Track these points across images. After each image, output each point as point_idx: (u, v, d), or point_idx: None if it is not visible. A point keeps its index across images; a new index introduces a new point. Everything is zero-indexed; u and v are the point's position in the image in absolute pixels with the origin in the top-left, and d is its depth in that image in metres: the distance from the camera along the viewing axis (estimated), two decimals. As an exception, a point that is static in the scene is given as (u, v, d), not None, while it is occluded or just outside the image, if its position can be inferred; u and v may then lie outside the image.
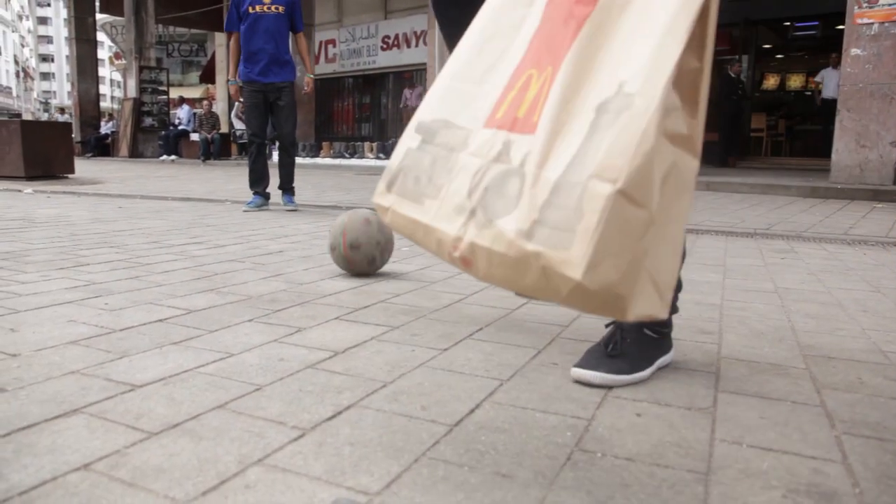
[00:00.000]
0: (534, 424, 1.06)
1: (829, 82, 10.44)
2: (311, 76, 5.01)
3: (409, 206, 0.92)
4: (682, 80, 0.77)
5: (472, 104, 0.91)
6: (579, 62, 0.80)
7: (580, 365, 1.27)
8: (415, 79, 13.74)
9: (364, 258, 2.21)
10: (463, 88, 0.94)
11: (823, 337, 1.65)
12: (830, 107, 10.32)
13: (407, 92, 12.41)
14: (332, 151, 12.68)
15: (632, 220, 0.71)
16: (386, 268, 2.47)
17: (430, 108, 0.97)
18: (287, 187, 4.79)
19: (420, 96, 12.14)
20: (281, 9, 4.45)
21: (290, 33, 4.66)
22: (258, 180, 4.72)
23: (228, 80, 4.71)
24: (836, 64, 10.25)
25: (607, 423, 1.08)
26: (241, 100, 4.66)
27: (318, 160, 12.33)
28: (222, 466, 0.89)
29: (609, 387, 1.24)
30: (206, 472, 0.87)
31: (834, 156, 6.89)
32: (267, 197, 4.73)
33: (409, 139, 0.97)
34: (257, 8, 4.40)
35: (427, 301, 1.92)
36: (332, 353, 1.41)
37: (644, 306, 0.75)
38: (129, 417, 1.04)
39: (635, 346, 1.30)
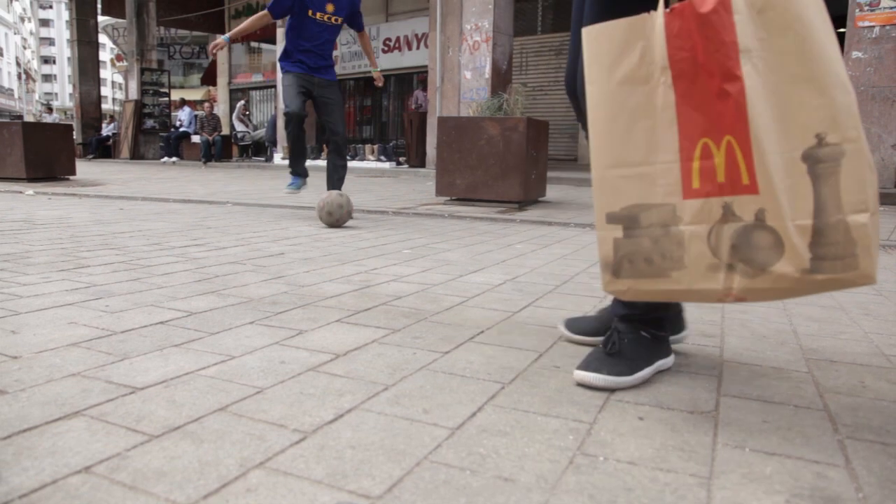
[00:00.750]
0: (536, 428, 1.06)
1: None
2: (378, 70, 4.87)
3: (653, 283, 1.09)
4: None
5: (656, 181, 1.06)
6: (762, 125, 0.97)
7: (582, 367, 1.27)
8: (415, 83, 13.75)
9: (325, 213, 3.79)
10: (632, 173, 1.08)
11: (826, 340, 1.64)
12: None
13: (419, 94, 12.40)
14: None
15: (877, 224, 0.96)
16: (387, 270, 2.47)
17: (609, 200, 1.10)
18: (338, 188, 4.52)
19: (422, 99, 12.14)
20: (340, 20, 4.39)
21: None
22: (299, 157, 4.53)
23: (223, 37, 4.49)
24: None
25: (610, 426, 1.08)
26: (215, 52, 4.45)
27: (320, 162, 12.32)
28: (223, 469, 0.88)
29: (611, 389, 1.24)
30: (207, 475, 0.87)
31: (835, 159, 6.89)
32: (306, 175, 4.58)
33: (608, 232, 1.11)
34: (318, 16, 4.29)
35: (428, 304, 1.92)
36: (333, 355, 1.40)
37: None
38: (129, 420, 1.03)
39: (632, 346, 1.30)
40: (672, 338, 1.46)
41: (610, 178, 1.09)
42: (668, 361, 1.37)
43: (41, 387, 1.17)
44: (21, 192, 6.07)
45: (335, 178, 4.51)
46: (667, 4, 1.06)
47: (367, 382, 1.24)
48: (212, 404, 1.11)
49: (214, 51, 4.42)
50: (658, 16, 1.04)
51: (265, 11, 4.33)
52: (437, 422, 1.07)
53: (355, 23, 4.56)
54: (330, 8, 4.31)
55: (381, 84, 4.84)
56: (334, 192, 3.97)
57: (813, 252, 0.96)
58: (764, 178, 0.98)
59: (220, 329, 1.58)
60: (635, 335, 1.31)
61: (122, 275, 2.24)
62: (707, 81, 1.01)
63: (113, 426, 1.01)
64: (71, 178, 7.94)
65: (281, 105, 14.27)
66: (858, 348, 1.59)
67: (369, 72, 15.35)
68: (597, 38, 1.10)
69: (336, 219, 3.88)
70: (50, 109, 25.51)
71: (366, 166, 11.59)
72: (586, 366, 1.27)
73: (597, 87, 1.10)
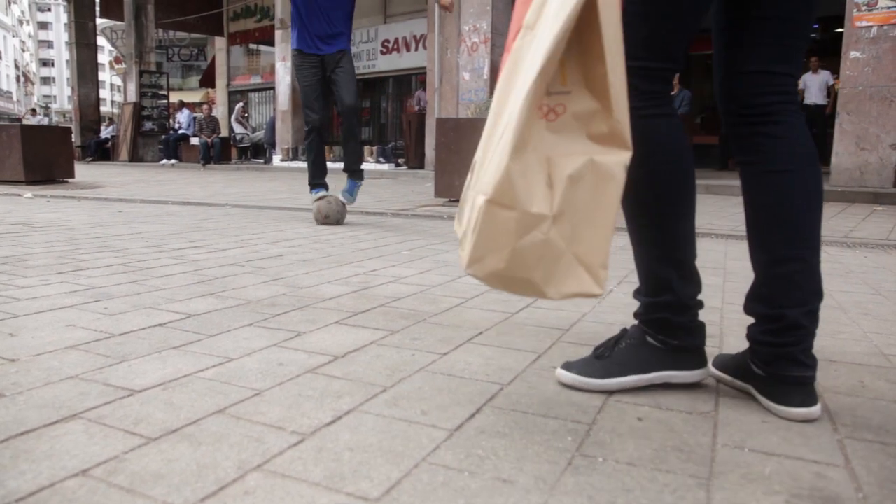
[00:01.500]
0: (534, 429, 1.06)
1: (810, 87, 10.37)
2: None
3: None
4: (594, 86, 0.95)
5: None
6: (499, 94, 1.01)
7: (565, 365, 1.28)
8: (415, 84, 13.75)
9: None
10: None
11: (825, 340, 1.64)
12: (811, 112, 10.31)
13: (420, 94, 12.41)
14: (332, 155, 12.70)
15: (504, 220, 0.93)
16: (386, 272, 2.46)
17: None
18: (356, 168, 4.30)
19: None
20: None
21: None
22: (320, 170, 4.28)
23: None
24: (816, 69, 10.24)
25: (608, 427, 1.07)
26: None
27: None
28: (221, 472, 0.88)
29: (582, 390, 1.23)
30: (204, 477, 0.87)
31: (834, 159, 6.90)
32: (327, 188, 4.33)
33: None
34: None
35: (427, 305, 1.92)
36: (331, 357, 1.40)
37: (571, 285, 0.96)
38: (127, 423, 1.03)
39: (628, 352, 1.25)
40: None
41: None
42: (682, 375, 1.25)
43: (39, 390, 1.16)
44: (19, 195, 6.07)
45: (353, 160, 4.23)
46: None
47: (366, 384, 1.24)
48: (210, 407, 1.11)
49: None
50: None
51: None
52: (435, 423, 1.07)
53: None
54: None
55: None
56: (323, 203, 4.10)
57: (458, 218, 1.07)
58: (480, 149, 1.04)
59: (218, 331, 1.58)
60: (639, 340, 1.26)
61: (120, 277, 2.23)
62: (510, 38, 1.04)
63: (111, 429, 1.01)
64: (70, 180, 7.94)
65: (280, 106, 14.38)
66: (857, 348, 1.59)
67: (369, 74, 15.44)
68: None
69: (331, 219, 4.10)
70: (34, 111, 25.40)
71: (365, 168, 11.58)
72: (569, 364, 1.28)
73: None
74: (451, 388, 1.23)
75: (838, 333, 1.72)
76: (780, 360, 1.15)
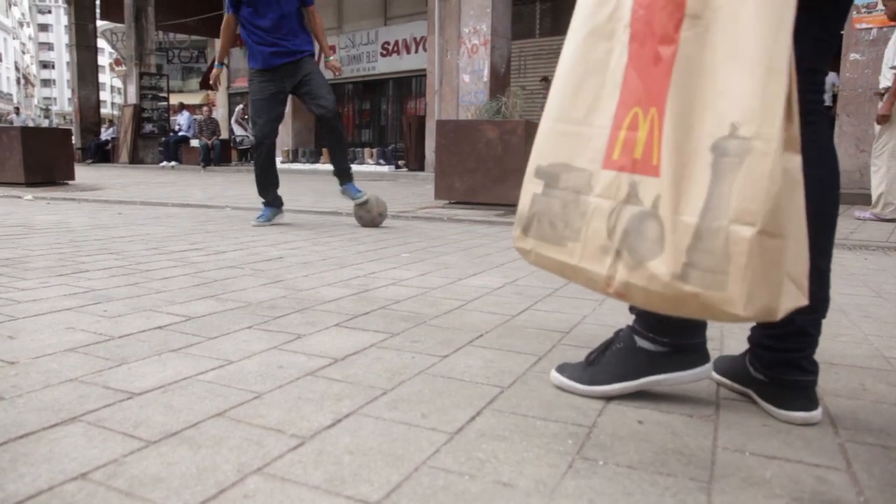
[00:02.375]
0: (535, 432, 1.05)
1: None
2: (335, 58, 4.30)
3: (551, 249, 1.01)
4: None
5: (587, 145, 0.97)
6: (682, 103, 0.86)
7: (558, 367, 1.29)
8: (415, 86, 13.76)
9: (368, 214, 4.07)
10: (571, 130, 1.00)
11: (825, 343, 1.64)
12: None
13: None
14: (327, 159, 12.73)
15: (773, 250, 0.80)
16: (386, 274, 2.46)
17: (543, 152, 1.03)
18: (344, 170, 4.04)
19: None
20: None
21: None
22: (270, 186, 4.08)
23: (216, 65, 4.18)
24: None
25: (609, 430, 1.07)
26: (218, 84, 4.16)
27: (318, 166, 12.34)
28: (221, 475, 0.88)
29: (569, 392, 1.23)
30: (204, 481, 0.86)
31: (834, 161, 6.89)
32: (281, 204, 4.17)
33: (531, 185, 1.04)
34: None
35: (427, 308, 1.92)
36: (331, 360, 1.40)
37: (789, 303, 0.83)
38: (127, 426, 1.03)
39: (617, 358, 1.22)
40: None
41: (552, 131, 1.03)
42: (673, 377, 1.20)
43: (38, 392, 1.16)
44: (20, 197, 6.07)
45: (342, 168, 4.03)
46: None
47: (366, 387, 1.24)
48: (209, 409, 1.11)
49: (217, 83, 4.20)
50: None
51: (226, 14, 3.99)
52: (435, 426, 1.06)
53: None
54: None
55: (338, 72, 4.20)
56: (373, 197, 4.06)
57: (688, 256, 0.83)
58: (668, 160, 0.86)
59: (218, 334, 1.58)
60: (629, 345, 1.23)
61: (120, 279, 2.23)
62: (650, 43, 0.90)
63: (110, 432, 1.00)
64: (70, 182, 7.93)
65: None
66: (858, 351, 1.58)
67: (368, 76, 15.47)
68: None
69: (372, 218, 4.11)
70: (17, 111, 25.33)
71: (365, 170, 11.59)
72: (562, 367, 1.28)
73: (570, 36, 1.03)
74: (451, 391, 1.23)
75: (839, 336, 1.71)
76: (782, 365, 1.15)
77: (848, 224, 4.55)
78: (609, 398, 1.21)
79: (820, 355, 1.52)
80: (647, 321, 1.21)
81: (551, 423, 1.10)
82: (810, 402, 1.13)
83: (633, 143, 0.91)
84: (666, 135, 0.86)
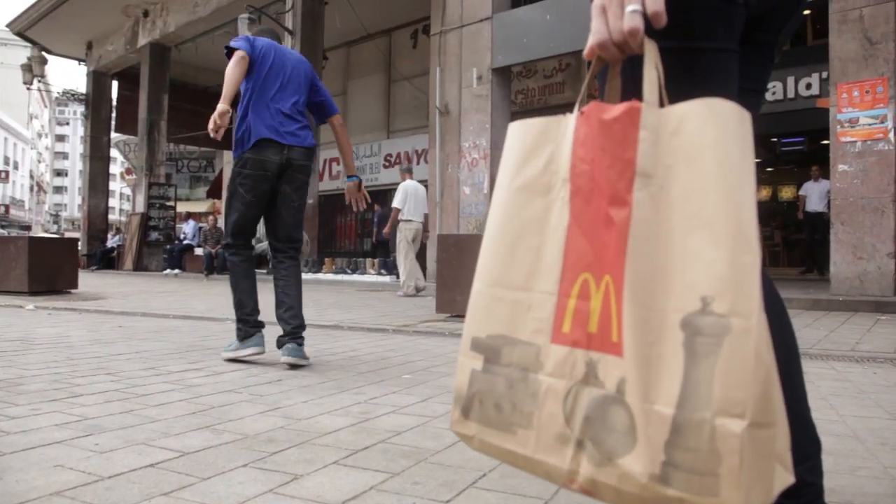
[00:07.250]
0: None
1: (811, 195, 10.61)
2: (356, 179, 3.59)
3: (499, 437, 0.86)
4: None
5: (527, 314, 0.86)
6: (642, 272, 0.76)
7: None
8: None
9: None
10: (508, 296, 0.88)
11: (843, 478, 1.57)
12: (813, 219, 10.50)
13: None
14: (334, 267, 12.84)
15: (765, 440, 0.69)
16: (387, 400, 2.41)
17: (478, 321, 0.90)
18: (295, 328, 3.11)
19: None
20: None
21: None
22: (252, 301, 3.26)
23: (220, 106, 2.99)
24: (818, 177, 10.51)
25: None
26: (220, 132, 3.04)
27: (321, 276, 12.44)
28: None
29: None
30: None
31: (833, 268, 6.95)
32: (263, 325, 3.26)
33: (468, 360, 0.90)
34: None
35: (429, 441, 1.86)
36: (329, 505, 1.34)
37: (778, 487, 0.73)
38: None
39: None
40: None
41: (485, 297, 0.90)
42: None
43: (18, 551, 1.10)
44: (21, 307, 6.07)
45: (289, 299, 3.14)
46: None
47: (364, 540, 1.17)
48: (198, 571, 1.04)
49: (220, 131, 3.02)
50: (570, 118, 0.85)
51: (238, 54, 3.11)
52: (438, 591, 1.00)
53: (320, 106, 3.46)
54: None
55: (363, 205, 3.59)
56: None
57: (668, 454, 0.70)
58: (632, 338, 0.75)
59: (212, 473, 1.52)
60: None
61: (115, 405, 2.18)
62: (598, 202, 0.81)
63: None
64: (72, 291, 7.97)
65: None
66: (879, 488, 1.51)
67: (371, 187, 15.83)
68: (513, 136, 0.92)
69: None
70: (6, 208, 25.71)
71: (367, 280, 11.66)
72: None
73: (498, 192, 0.92)
74: (454, 545, 1.16)
75: (857, 469, 1.65)
76: None
77: (853, 333, 4.51)
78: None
79: (839, 493, 1.46)
80: None
81: (561, 585, 1.03)
82: None
83: (586, 314, 0.80)
84: (626, 308, 0.76)
